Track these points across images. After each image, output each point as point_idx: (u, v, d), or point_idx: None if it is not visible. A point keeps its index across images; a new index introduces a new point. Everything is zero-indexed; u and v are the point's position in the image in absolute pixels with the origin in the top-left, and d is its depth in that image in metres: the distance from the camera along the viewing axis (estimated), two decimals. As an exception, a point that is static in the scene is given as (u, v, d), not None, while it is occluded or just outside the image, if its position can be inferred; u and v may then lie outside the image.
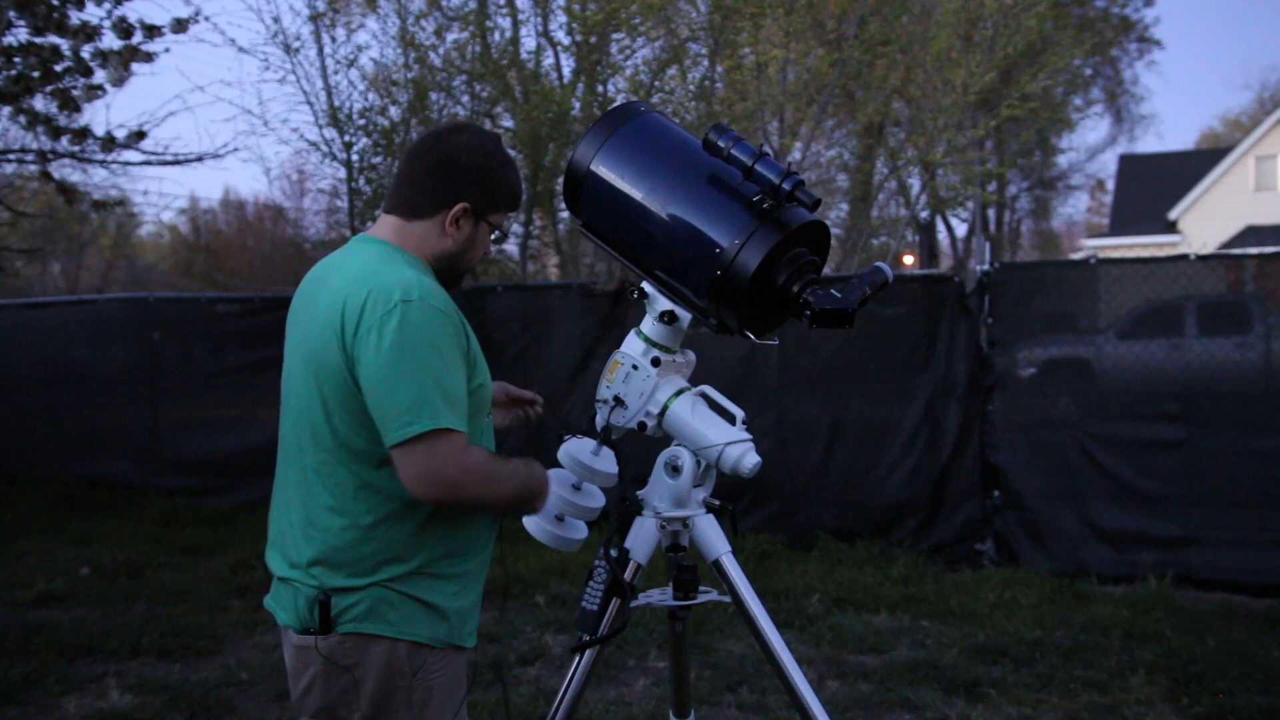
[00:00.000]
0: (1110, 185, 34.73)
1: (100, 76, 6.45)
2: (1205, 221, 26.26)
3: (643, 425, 2.28)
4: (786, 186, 2.03)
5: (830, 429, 7.04)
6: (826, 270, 2.47)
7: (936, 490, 6.74)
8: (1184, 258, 6.71)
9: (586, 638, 2.19)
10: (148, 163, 7.59)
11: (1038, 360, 7.60)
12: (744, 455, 2.19)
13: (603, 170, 2.24)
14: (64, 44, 6.37)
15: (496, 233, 2.21)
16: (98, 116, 32.74)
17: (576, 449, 2.25)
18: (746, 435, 2.22)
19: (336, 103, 10.13)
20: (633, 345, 2.32)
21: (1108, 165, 44.36)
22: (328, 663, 2.03)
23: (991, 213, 26.39)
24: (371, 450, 2.00)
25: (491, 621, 5.54)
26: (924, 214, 15.23)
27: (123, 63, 6.34)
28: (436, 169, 2.12)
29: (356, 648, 2.02)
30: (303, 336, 2.09)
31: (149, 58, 6.41)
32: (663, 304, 2.27)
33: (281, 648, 2.20)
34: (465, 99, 10.53)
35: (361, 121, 10.14)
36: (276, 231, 27.60)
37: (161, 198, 59.62)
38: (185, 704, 4.43)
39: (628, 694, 4.53)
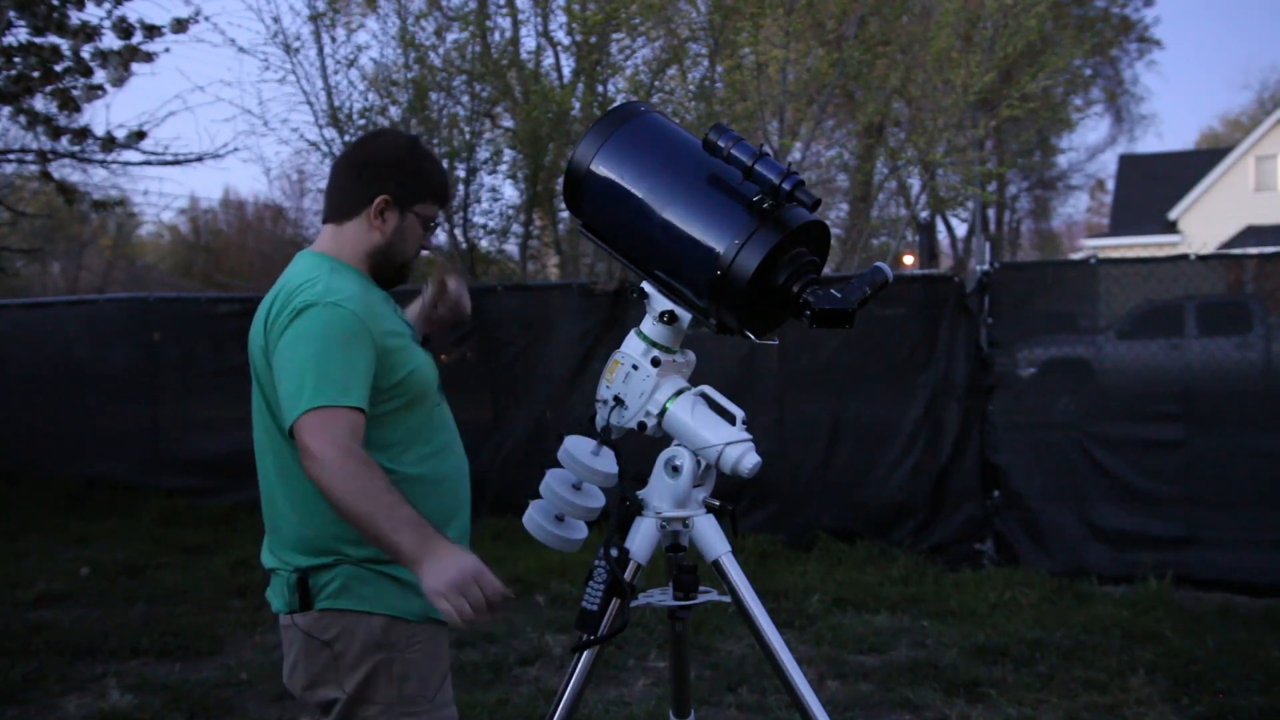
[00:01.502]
0: (1110, 185, 34.78)
1: (100, 76, 6.44)
2: (1205, 221, 26.28)
3: (642, 425, 2.28)
4: (786, 186, 2.03)
5: (830, 429, 7.04)
6: (826, 270, 2.46)
7: (936, 490, 6.74)
8: (1184, 258, 6.71)
9: (587, 638, 2.18)
10: (148, 163, 7.58)
11: (1038, 360, 7.60)
12: (744, 455, 2.19)
13: (603, 170, 2.24)
14: (64, 44, 6.36)
15: (433, 225, 2.32)
16: (98, 116, 32.72)
17: (576, 449, 2.25)
18: (746, 435, 2.21)
19: (336, 103, 10.13)
20: (633, 345, 2.31)
21: (1108, 165, 44.39)
22: (308, 638, 2.15)
23: (991, 213, 26.39)
24: None
25: (491, 621, 5.54)
26: (924, 214, 15.24)
27: (123, 63, 6.33)
28: (354, 168, 2.29)
29: (334, 623, 2.13)
30: (250, 349, 2.24)
31: (149, 58, 6.40)
32: (663, 304, 2.27)
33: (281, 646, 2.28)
34: (465, 99, 10.53)
35: (361, 121, 10.13)
36: (276, 231, 27.64)
37: (161, 198, 59.67)
38: (185, 704, 4.44)
39: (628, 694, 4.53)
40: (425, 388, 2.22)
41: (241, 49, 10.95)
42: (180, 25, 6.44)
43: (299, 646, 2.17)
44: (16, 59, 6.39)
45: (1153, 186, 30.17)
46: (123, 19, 6.29)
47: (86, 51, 6.38)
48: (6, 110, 7.18)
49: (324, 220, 2.32)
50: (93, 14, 8.41)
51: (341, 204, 2.27)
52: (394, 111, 10.31)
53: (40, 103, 7.00)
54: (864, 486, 6.97)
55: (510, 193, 11.20)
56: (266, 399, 2.17)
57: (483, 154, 10.64)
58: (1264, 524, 6.13)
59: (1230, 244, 20.20)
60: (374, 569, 2.14)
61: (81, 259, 30.30)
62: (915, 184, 12.58)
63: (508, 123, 10.82)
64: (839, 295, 2.10)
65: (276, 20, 13.68)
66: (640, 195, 2.20)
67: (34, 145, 7.71)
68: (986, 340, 6.62)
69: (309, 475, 2.00)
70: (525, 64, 10.49)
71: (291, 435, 2.03)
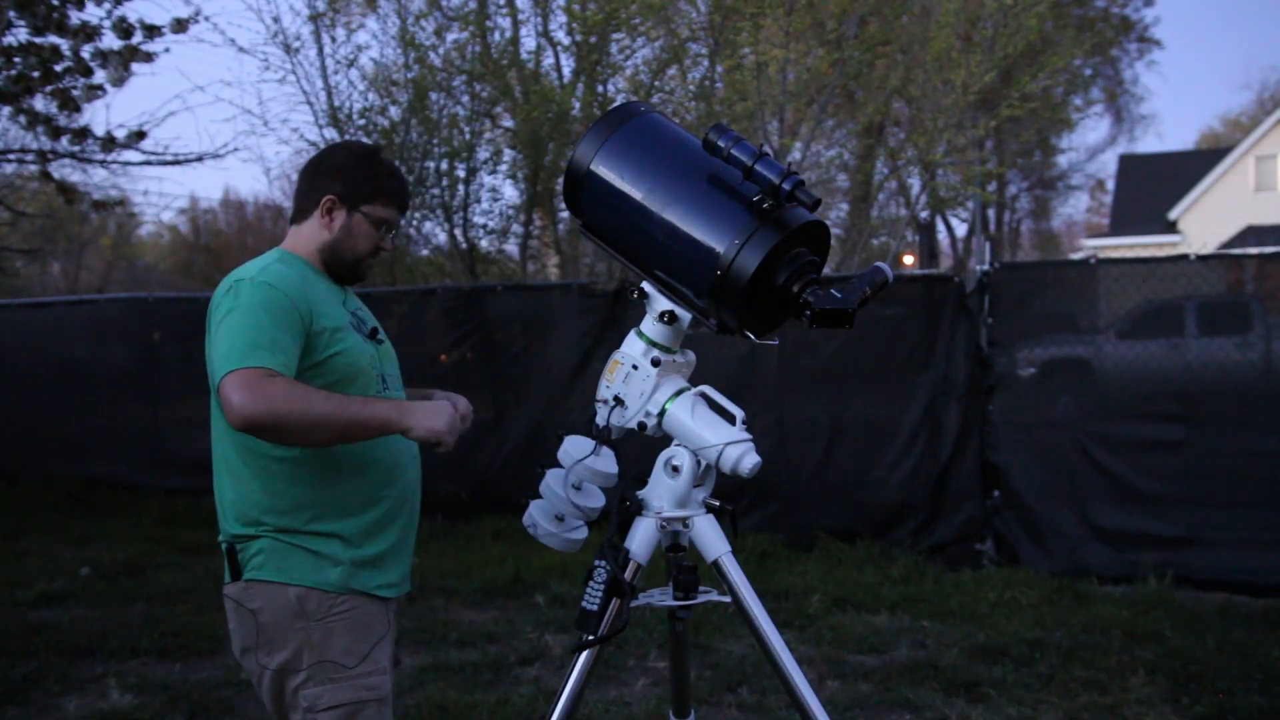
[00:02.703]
0: (1110, 185, 34.75)
1: (100, 76, 6.43)
2: (1205, 221, 26.26)
3: (642, 425, 2.28)
4: (786, 186, 2.03)
5: (830, 429, 7.04)
6: (826, 270, 2.47)
7: (936, 490, 6.74)
8: (1184, 258, 6.71)
9: (587, 638, 2.18)
10: (148, 163, 7.58)
11: (1038, 360, 7.60)
12: (744, 455, 2.19)
13: (602, 170, 2.24)
14: (64, 44, 6.35)
15: (386, 227, 2.44)
16: (98, 116, 32.74)
17: (576, 449, 2.25)
18: (746, 435, 2.21)
19: (336, 103, 10.13)
20: (633, 345, 2.31)
21: (1108, 165, 44.36)
22: (238, 607, 2.35)
23: (991, 213, 26.37)
24: None
25: (492, 621, 5.55)
26: (924, 214, 15.22)
27: (123, 63, 6.32)
28: (307, 174, 2.48)
29: (258, 593, 2.30)
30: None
31: (149, 58, 6.40)
32: (663, 304, 2.27)
33: None
34: (465, 99, 10.53)
35: (361, 121, 10.14)
36: (276, 231, 27.66)
37: (161, 198, 59.75)
38: (185, 704, 4.44)
39: (628, 694, 4.53)
40: (352, 372, 2.33)
41: (241, 49, 11.01)
42: (180, 25, 6.44)
43: (233, 615, 2.38)
44: (16, 59, 6.38)
45: (1153, 186, 30.15)
46: (123, 19, 6.29)
47: (86, 51, 6.37)
48: (6, 110, 7.17)
49: (289, 223, 2.51)
50: (93, 14, 8.42)
51: (299, 206, 2.46)
52: (394, 111, 10.32)
53: (40, 103, 7.00)
54: (864, 486, 6.97)
55: (510, 193, 11.21)
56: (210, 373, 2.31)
57: (483, 154, 10.65)
58: (1264, 524, 6.13)
59: (1230, 244, 20.16)
60: (290, 541, 2.28)
61: (81, 259, 30.31)
62: (915, 184, 12.57)
63: (508, 123, 10.82)
64: (839, 295, 2.10)
65: (276, 20, 13.70)
66: (640, 195, 2.20)
67: (34, 145, 7.71)
68: (986, 340, 6.62)
69: (241, 425, 2.11)
70: (525, 64, 10.49)
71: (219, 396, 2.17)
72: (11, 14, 6.14)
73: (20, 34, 6.36)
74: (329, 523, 2.29)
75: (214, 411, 2.36)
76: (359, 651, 2.29)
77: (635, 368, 2.28)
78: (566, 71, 10.64)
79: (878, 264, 2.17)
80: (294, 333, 2.23)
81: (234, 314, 2.21)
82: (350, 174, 2.41)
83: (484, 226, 10.85)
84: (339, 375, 2.30)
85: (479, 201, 10.64)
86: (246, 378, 2.12)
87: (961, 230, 24.57)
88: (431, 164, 10.27)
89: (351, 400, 2.23)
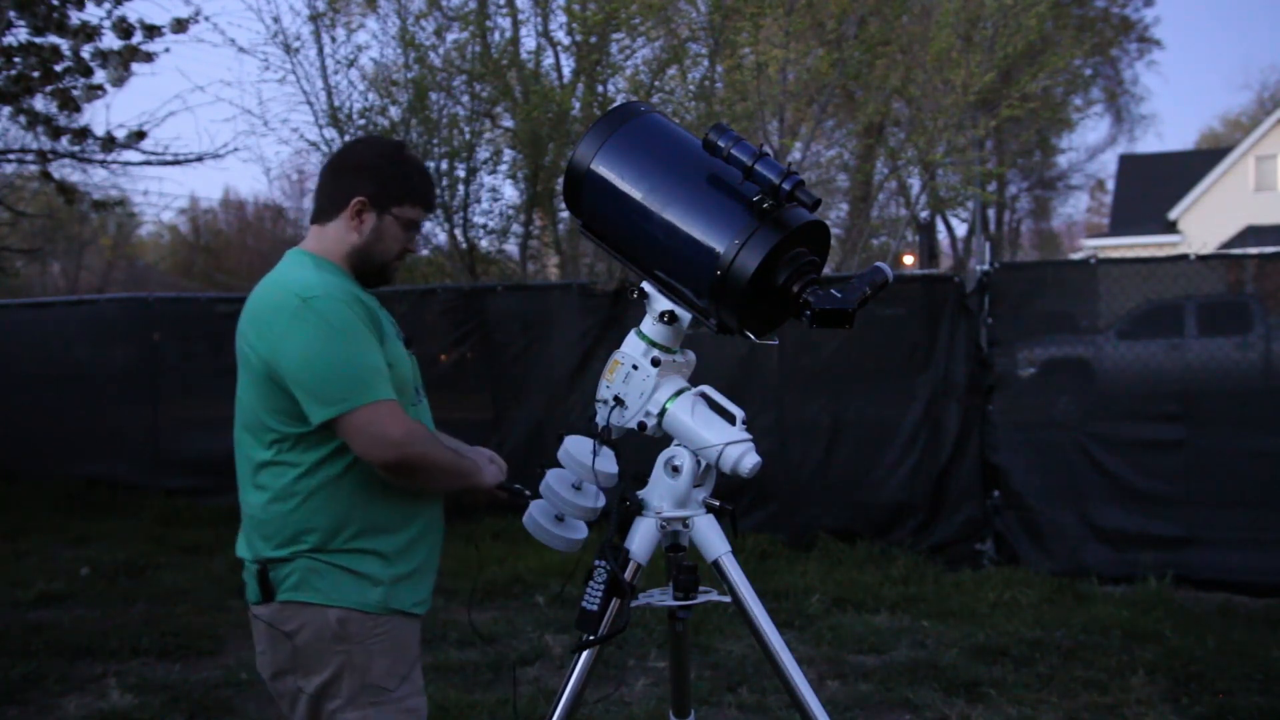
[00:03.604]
0: (1110, 185, 34.76)
1: (100, 76, 6.43)
2: (1205, 221, 26.26)
3: (642, 425, 2.28)
4: (786, 186, 2.03)
5: (830, 429, 7.04)
6: (826, 270, 2.47)
7: (936, 490, 6.74)
8: (1184, 258, 6.71)
9: (587, 638, 2.18)
10: (148, 163, 7.57)
11: (1038, 360, 7.60)
12: (744, 455, 2.19)
13: (603, 170, 2.24)
14: (64, 44, 6.36)
15: (415, 229, 2.37)
16: (98, 116, 32.72)
17: (576, 449, 2.26)
18: (746, 435, 2.22)
19: (336, 103, 10.14)
20: (633, 345, 2.31)
21: (1108, 165, 44.36)
22: (270, 629, 2.24)
23: (991, 213, 26.38)
24: (286, 431, 2.20)
25: (492, 621, 5.55)
26: (924, 214, 15.22)
27: (123, 63, 6.32)
28: (333, 172, 2.37)
29: (294, 615, 2.20)
30: (237, 344, 2.30)
31: (149, 58, 6.40)
32: (663, 304, 2.27)
33: None
34: (465, 99, 10.53)
35: (361, 121, 10.14)
36: (276, 231, 27.71)
37: (161, 198, 59.78)
38: (185, 704, 4.43)
39: (628, 694, 4.53)
40: (400, 384, 2.27)
41: (241, 49, 10.96)
42: (180, 25, 6.44)
43: (264, 637, 2.27)
44: (16, 59, 6.38)
45: (1153, 186, 30.16)
46: (123, 19, 6.29)
47: (86, 51, 6.37)
48: (6, 110, 7.17)
49: (311, 221, 2.39)
50: (93, 14, 8.40)
51: (324, 206, 2.34)
52: (394, 111, 10.31)
53: (40, 103, 7.00)
54: (864, 486, 6.97)
55: (510, 193, 11.21)
56: (249, 389, 2.26)
57: (483, 154, 10.66)
58: (1264, 524, 6.13)
59: (1230, 244, 20.15)
60: (329, 562, 2.19)
61: (81, 259, 30.32)
62: (915, 184, 12.59)
63: (508, 123, 10.82)
64: (839, 295, 2.10)
65: (276, 20, 13.68)
66: (640, 195, 2.20)
67: (34, 145, 7.70)
68: (986, 340, 6.62)
69: (383, 462, 2.13)
70: (525, 64, 10.49)
71: (330, 428, 2.14)
72: (11, 14, 6.14)
73: (20, 34, 6.36)
74: (368, 540, 2.22)
75: (240, 429, 2.28)
76: (399, 673, 2.24)
77: (635, 368, 2.29)
78: (566, 71, 10.64)
79: (878, 264, 2.17)
80: (379, 347, 2.21)
81: (334, 338, 2.13)
82: (381, 174, 2.30)
83: (484, 226, 10.86)
84: (397, 391, 2.23)
85: (479, 201, 10.66)
86: (394, 413, 2.14)
87: (961, 230, 24.59)
88: (431, 164, 10.27)
89: (465, 456, 2.34)
